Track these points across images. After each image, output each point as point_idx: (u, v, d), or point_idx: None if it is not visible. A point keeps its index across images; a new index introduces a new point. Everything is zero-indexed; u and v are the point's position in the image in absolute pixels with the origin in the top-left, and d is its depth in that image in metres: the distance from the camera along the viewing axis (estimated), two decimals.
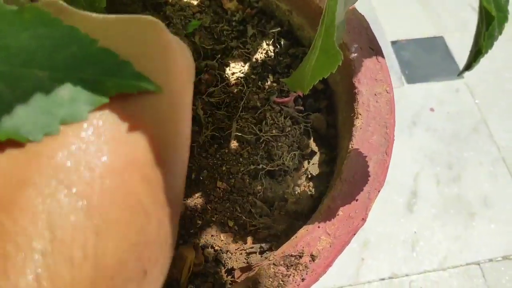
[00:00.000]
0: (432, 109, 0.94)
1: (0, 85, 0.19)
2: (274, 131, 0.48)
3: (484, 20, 0.29)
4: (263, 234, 0.42)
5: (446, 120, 0.93)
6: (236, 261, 0.41)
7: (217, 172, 0.46)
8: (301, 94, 0.50)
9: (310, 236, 0.37)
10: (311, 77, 0.36)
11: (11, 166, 0.17)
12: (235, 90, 0.52)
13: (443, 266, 0.78)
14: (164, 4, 0.56)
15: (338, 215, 0.38)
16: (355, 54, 0.46)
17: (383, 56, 0.46)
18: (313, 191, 0.45)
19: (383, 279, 0.77)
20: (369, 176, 0.39)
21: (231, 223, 0.43)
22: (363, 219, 0.38)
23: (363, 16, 0.49)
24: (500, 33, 0.31)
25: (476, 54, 0.31)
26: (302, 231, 0.38)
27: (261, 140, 0.48)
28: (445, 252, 0.79)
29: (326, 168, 0.47)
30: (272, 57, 0.54)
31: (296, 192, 0.45)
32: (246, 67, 0.53)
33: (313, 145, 0.48)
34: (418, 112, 0.93)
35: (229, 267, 0.41)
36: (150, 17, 0.23)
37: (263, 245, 0.41)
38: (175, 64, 0.22)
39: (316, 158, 0.48)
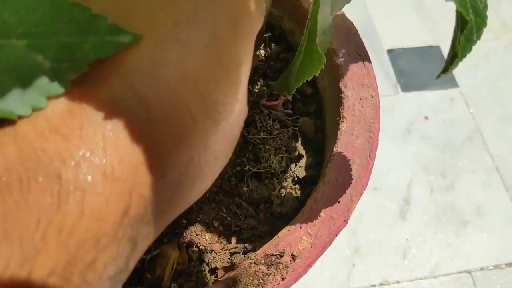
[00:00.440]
0: (426, 117, 0.94)
1: None
2: (262, 134, 0.48)
3: (459, 24, 0.30)
4: (247, 235, 0.43)
5: (441, 129, 0.93)
6: (220, 260, 0.41)
7: None
8: (290, 98, 0.51)
9: (292, 236, 0.37)
10: (296, 80, 0.37)
11: None
12: None
13: (434, 274, 0.78)
14: None
15: (320, 216, 0.38)
16: (342, 59, 0.46)
17: (370, 62, 0.47)
18: (299, 193, 0.46)
19: (373, 286, 0.77)
20: (352, 179, 0.40)
21: (216, 223, 0.44)
22: (345, 221, 0.38)
23: (352, 22, 0.50)
24: (479, 37, 0.32)
25: (453, 58, 0.31)
26: (284, 231, 0.38)
27: (248, 143, 0.48)
28: (436, 259, 0.79)
29: (312, 171, 0.47)
30: (263, 61, 0.55)
31: (282, 195, 0.46)
32: None
33: (300, 149, 0.49)
34: (412, 120, 0.94)
35: (212, 267, 0.41)
36: None
37: (247, 245, 0.42)
38: None
39: (303, 161, 0.48)
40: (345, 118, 0.43)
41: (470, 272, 0.79)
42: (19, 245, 0.16)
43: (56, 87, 0.19)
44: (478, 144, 0.92)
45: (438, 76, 0.34)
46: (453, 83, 0.99)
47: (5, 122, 0.18)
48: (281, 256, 0.36)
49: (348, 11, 0.49)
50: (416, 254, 0.80)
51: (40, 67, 0.19)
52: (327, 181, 0.40)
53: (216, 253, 0.42)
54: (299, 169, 0.48)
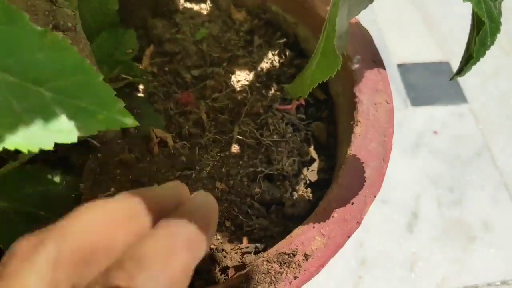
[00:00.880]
0: (435, 132, 0.94)
1: (9, 95, 0.22)
2: (275, 136, 0.49)
3: (475, 25, 0.30)
4: (258, 235, 0.43)
5: (449, 144, 0.93)
6: (231, 260, 0.41)
7: (216, 173, 0.46)
8: (303, 103, 0.51)
9: (305, 236, 0.37)
10: (311, 81, 0.37)
11: None
12: (239, 97, 0.53)
13: None
14: (174, 11, 0.58)
15: (333, 217, 0.38)
16: (357, 65, 0.47)
17: (384, 69, 0.47)
18: (310, 196, 0.46)
19: None
20: (366, 181, 0.40)
21: (228, 223, 0.44)
22: (358, 222, 0.38)
23: (367, 30, 0.50)
24: (493, 43, 0.32)
25: (468, 59, 0.32)
26: (297, 231, 0.38)
27: (261, 145, 0.48)
28: (443, 274, 0.79)
29: (324, 175, 0.47)
30: (277, 67, 0.55)
31: (294, 197, 0.46)
32: (251, 75, 0.55)
33: (312, 153, 0.49)
34: (421, 134, 0.94)
35: (223, 266, 0.41)
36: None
37: (258, 245, 0.42)
38: None
39: (315, 165, 0.48)
40: (360, 122, 0.43)
41: None
42: None
43: (65, 137, 0.23)
44: (487, 160, 0.91)
45: (452, 78, 0.34)
46: (463, 99, 0.99)
47: None
48: (294, 255, 0.36)
49: None
50: (423, 268, 0.79)
51: (56, 117, 0.23)
52: (340, 183, 0.40)
53: (227, 253, 0.42)
54: (311, 173, 0.48)
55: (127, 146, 0.48)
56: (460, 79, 1.00)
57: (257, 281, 0.35)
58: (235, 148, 0.49)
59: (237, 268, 0.40)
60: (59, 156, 0.48)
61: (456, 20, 1.10)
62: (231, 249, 0.42)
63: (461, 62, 0.33)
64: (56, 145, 0.23)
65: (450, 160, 0.91)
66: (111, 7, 0.49)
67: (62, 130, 0.23)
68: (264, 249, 0.42)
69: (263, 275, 0.35)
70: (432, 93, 0.99)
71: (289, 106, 0.50)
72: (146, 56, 0.57)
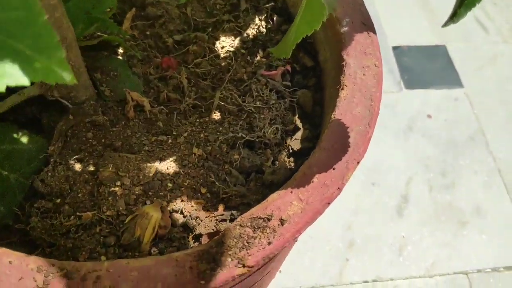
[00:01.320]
0: (429, 116, 0.92)
1: None
2: (258, 103, 0.46)
3: None
4: (235, 203, 0.40)
5: (443, 128, 0.91)
6: (205, 227, 0.39)
7: (194, 139, 0.44)
8: (289, 69, 0.49)
9: (282, 201, 0.35)
10: (295, 37, 0.35)
11: None
12: (223, 63, 0.51)
13: (430, 273, 0.75)
14: None
15: (312, 182, 0.36)
16: (346, 28, 0.44)
17: (374, 32, 0.45)
18: (292, 165, 0.44)
19: (366, 282, 0.74)
20: (349, 146, 0.38)
21: (203, 190, 0.41)
22: (338, 188, 0.36)
23: None
24: None
25: (461, 1, 0.29)
26: (273, 196, 0.36)
27: (243, 111, 0.46)
28: (433, 259, 0.77)
29: (308, 144, 0.45)
30: (264, 33, 0.53)
31: (275, 166, 0.43)
32: (237, 41, 0.52)
33: (297, 121, 0.47)
34: (415, 117, 0.92)
35: (197, 233, 0.39)
36: None
37: (234, 212, 0.40)
38: None
39: (299, 134, 0.46)
40: (346, 85, 0.41)
41: (467, 274, 0.76)
42: None
43: None
44: (481, 145, 0.89)
45: (445, 24, 0.31)
46: (458, 83, 0.97)
47: None
48: (269, 220, 0.34)
49: None
50: (412, 252, 0.77)
51: None
52: (322, 147, 0.38)
53: (201, 220, 0.40)
54: (294, 142, 0.46)
55: (101, 109, 0.45)
56: (456, 64, 0.98)
57: (228, 246, 0.33)
58: (215, 114, 0.46)
59: (211, 236, 0.38)
60: (29, 118, 0.46)
61: (453, 3, 1.07)
62: (205, 217, 0.40)
63: (454, 5, 0.31)
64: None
65: (443, 144, 0.88)
66: None
67: (12, 74, 0.21)
68: None
69: (235, 240, 0.33)
70: (427, 76, 0.96)
71: (274, 72, 0.48)
72: (127, 19, 0.54)
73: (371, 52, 0.42)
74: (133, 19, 0.54)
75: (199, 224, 0.39)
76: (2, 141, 0.41)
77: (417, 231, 0.79)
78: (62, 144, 0.43)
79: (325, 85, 0.48)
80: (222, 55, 0.51)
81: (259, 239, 0.33)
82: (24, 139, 0.42)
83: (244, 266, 0.32)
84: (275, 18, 0.53)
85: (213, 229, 0.39)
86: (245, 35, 0.52)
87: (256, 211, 0.35)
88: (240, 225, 0.34)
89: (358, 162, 0.37)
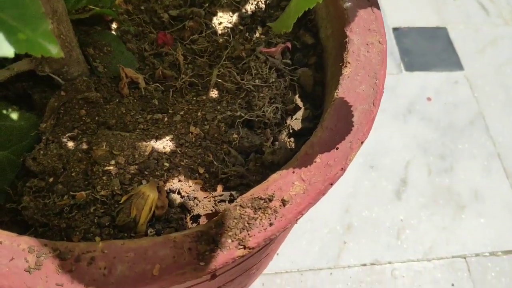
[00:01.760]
0: (429, 99, 0.91)
1: None
2: (257, 81, 0.45)
3: None
4: (234, 183, 0.39)
5: (443, 111, 0.90)
6: (203, 208, 0.38)
7: (191, 117, 0.43)
8: (289, 47, 0.47)
9: (283, 181, 0.34)
10: (295, 11, 0.34)
11: None
12: (220, 40, 0.49)
13: (427, 257, 0.75)
14: None
15: (315, 162, 0.35)
16: (349, 3, 0.43)
17: (379, 8, 0.43)
18: (293, 146, 0.42)
19: (364, 265, 0.73)
20: (353, 125, 0.36)
21: (201, 170, 0.40)
22: (342, 168, 0.35)
23: None
24: None
25: None
26: (274, 176, 0.34)
27: (242, 90, 0.44)
28: (431, 242, 0.76)
29: (309, 124, 0.44)
30: (263, 9, 0.51)
31: (275, 147, 0.42)
32: (235, 17, 0.50)
33: (297, 101, 0.45)
34: (414, 100, 0.91)
35: (194, 214, 0.38)
36: None
37: (233, 193, 0.38)
38: None
39: (299, 114, 0.45)
40: (349, 63, 0.39)
41: (465, 258, 0.76)
42: None
43: None
44: (480, 128, 0.88)
45: None
46: (459, 66, 0.96)
47: None
48: (270, 200, 0.33)
49: None
50: (410, 236, 0.77)
51: None
52: (325, 127, 0.36)
53: (199, 201, 0.38)
54: (295, 122, 0.44)
55: (94, 85, 0.44)
56: (457, 46, 0.96)
57: (228, 227, 0.32)
58: (213, 93, 0.45)
59: (210, 216, 0.37)
60: (20, 94, 0.44)
61: None
62: (204, 198, 0.39)
63: None
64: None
65: (442, 128, 0.87)
66: None
67: None
68: None
69: (235, 221, 0.32)
70: (427, 58, 0.95)
71: (274, 49, 0.46)
72: None
73: (375, 29, 0.41)
74: None
75: (197, 204, 0.38)
76: None
77: (415, 214, 0.79)
78: (54, 121, 0.42)
79: (327, 63, 0.46)
80: (219, 32, 0.50)
81: (260, 220, 0.32)
82: (15, 116, 0.40)
83: (244, 247, 0.31)
84: None
85: (211, 210, 0.38)
86: (244, 11, 0.51)
87: (257, 191, 0.33)
88: (241, 206, 0.33)
89: (362, 142, 0.36)
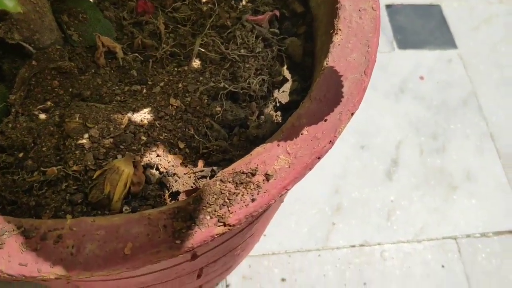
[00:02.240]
0: (421, 77, 0.89)
1: None
2: (242, 50, 0.42)
3: None
4: (216, 158, 0.37)
5: (435, 90, 0.88)
6: (183, 184, 0.35)
7: (172, 88, 0.40)
8: (277, 15, 0.45)
9: (267, 154, 0.31)
10: None
11: None
12: (204, 8, 0.46)
13: (418, 238, 0.74)
14: None
15: (302, 134, 0.32)
16: None
17: None
18: (279, 119, 0.40)
19: (353, 246, 0.72)
20: (343, 96, 0.34)
21: (181, 145, 0.38)
22: (330, 141, 0.32)
23: None
24: None
25: None
26: (258, 149, 0.32)
27: (226, 60, 0.42)
28: (421, 223, 0.75)
29: (297, 97, 0.41)
30: None
31: (261, 120, 0.40)
32: None
33: (285, 72, 0.43)
34: (406, 79, 0.88)
35: (173, 191, 0.35)
36: None
37: (215, 168, 0.36)
38: None
39: (287, 86, 0.42)
40: (340, 30, 0.37)
41: (455, 239, 0.74)
42: None
43: None
44: (474, 108, 0.87)
45: None
46: (452, 44, 0.93)
47: None
48: (253, 175, 0.30)
49: None
50: (400, 217, 0.75)
51: None
52: (313, 97, 0.34)
53: (179, 177, 0.36)
54: (282, 94, 0.42)
55: (68, 55, 0.41)
56: (451, 24, 0.94)
57: (207, 203, 0.29)
58: (195, 63, 0.42)
59: (190, 193, 0.35)
60: None
61: None
62: (184, 174, 0.36)
63: None
64: None
65: (435, 107, 0.85)
66: None
67: None
68: None
69: (215, 196, 0.30)
70: (421, 36, 0.93)
71: (261, 17, 0.43)
72: None
73: None
74: None
75: (176, 181, 0.36)
76: None
77: (406, 195, 0.77)
78: (24, 93, 0.39)
79: (317, 33, 0.44)
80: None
81: (242, 195, 0.30)
82: None
83: (224, 224, 0.29)
84: None
85: (192, 187, 0.35)
86: None
87: (239, 165, 0.31)
88: (221, 181, 0.30)
89: (352, 114, 0.34)
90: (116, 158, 0.35)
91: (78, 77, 0.41)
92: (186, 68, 0.42)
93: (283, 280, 0.69)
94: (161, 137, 0.37)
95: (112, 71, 0.41)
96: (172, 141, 0.37)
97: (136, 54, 0.42)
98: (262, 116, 0.40)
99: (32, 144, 0.37)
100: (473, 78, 0.90)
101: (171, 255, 0.28)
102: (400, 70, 0.89)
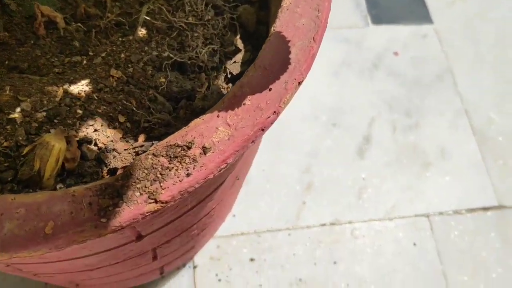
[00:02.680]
0: (396, 53, 0.87)
1: None
2: (190, 18, 0.40)
3: None
4: (159, 132, 0.35)
5: (410, 66, 0.86)
6: (122, 161, 0.33)
7: (114, 59, 0.37)
8: None
9: (205, 126, 0.29)
10: None
11: None
12: None
13: (389, 216, 0.72)
14: None
15: (244, 104, 0.30)
16: None
17: None
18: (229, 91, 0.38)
19: (324, 225, 0.71)
20: (290, 63, 0.32)
21: (122, 118, 0.35)
22: (275, 112, 0.30)
23: None
24: None
25: None
26: (197, 120, 0.30)
27: (173, 29, 0.39)
28: (393, 201, 0.74)
29: (248, 67, 0.39)
30: None
31: (208, 92, 0.37)
32: None
33: (238, 42, 0.41)
34: (381, 55, 0.86)
35: (112, 168, 0.33)
36: None
37: (156, 143, 0.34)
38: None
39: (239, 56, 0.40)
40: None
41: (428, 216, 0.73)
42: None
43: None
44: (448, 84, 0.85)
45: None
46: (428, 19, 0.91)
47: None
48: (189, 148, 0.28)
49: None
50: (372, 195, 0.74)
51: None
52: (258, 65, 0.32)
53: (118, 153, 0.34)
54: (233, 65, 0.39)
55: (4, 25, 0.38)
56: None
57: (137, 179, 0.27)
58: (141, 32, 0.39)
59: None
60: None
61: None
62: (124, 149, 0.34)
63: None
64: None
65: (409, 83, 0.84)
66: None
67: None
68: None
69: (146, 172, 0.27)
70: (396, 11, 0.90)
71: None
72: None
73: None
74: None
75: (115, 157, 0.33)
76: None
77: (378, 173, 0.76)
78: None
79: (271, 1, 0.41)
80: None
81: (176, 170, 0.28)
82: None
83: (156, 201, 0.27)
84: None
85: (131, 163, 0.33)
86: None
87: (174, 138, 0.29)
88: (153, 155, 0.28)
89: (300, 83, 0.32)
90: (49, 132, 0.33)
91: (16, 49, 0.38)
92: (131, 37, 0.39)
93: (252, 260, 0.68)
94: (99, 110, 0.35)
95: (53, 42, 0.39)
96: (111, 114, 0.35)
97: (79, 24, 0.40)
98: (213, 86, 0.38)
99: None
100: (448, 54, 0.88)
101: (98, 234, 0.26)
102: (374, 46, 0.87)
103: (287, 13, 0.33)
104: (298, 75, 0.31)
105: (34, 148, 0.32)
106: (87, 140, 0.34)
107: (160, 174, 0.27)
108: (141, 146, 0.34)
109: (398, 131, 0.79)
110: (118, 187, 0.27)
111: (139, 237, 0.36)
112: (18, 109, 0.34)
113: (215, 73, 0.39)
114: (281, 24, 0.33)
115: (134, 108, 0.35)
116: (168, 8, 0.40)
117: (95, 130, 0.34)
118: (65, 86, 0.35)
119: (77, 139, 0.33)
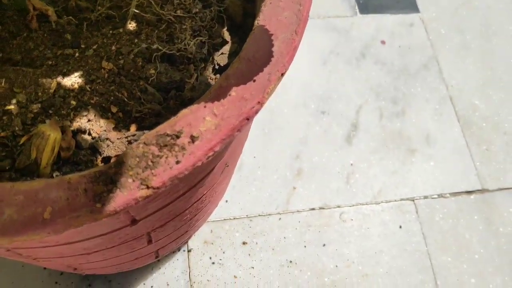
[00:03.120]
0: (383, 42, 0.88)
1: None
2: (179, 11, 0.41)
3: None
4: (150, 122, 0.36)
5: (397, 54, 0.88)
6: (115, 149, 0.35)
7: (105, 51, 0.39)
8: None
9: (193, 116, 0.31)
10: None
11: None
12: None
13: (376, 200, 0.75)
14: None
15: (230, 95, 0.32)
16: None
17: None
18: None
19: (313, 209, 0.73)
20: (273, 56, 0.33)
21: (114, 109, 0.37)
22: (259, 102, 0.32)
23: None
24: None
25: None
26: (185, 111, 0.32)
27: (163, 21, 0.41)
28: (380, 186, 0.76)
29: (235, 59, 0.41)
30: None
31: (197, 82, 0.39)
32: None
33: (225, 34, 0.42)
34: (368, 43, 0.88)
35: (105, 156, 0.35)
36: None
37: (147, 132, 0.35)
38: None
39: (227, 48, 0.41)
40: None
41: (413, 200, 0.76)
42: None
43: None
44: (434, 72, 0.87)
45: None
46: (414, 8, 0.93)
47: None
48: (178, 137, 0.30)
49: None
50: (359, 180, 0.76)
51: None
52: (242, 57, 0.33)
53: (112, 142, 0.35)
54: (221, 57, 0.41)
55: None
56: None
57: (130, 166, 0.29)
58: (131, 25, 0.41)
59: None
60: None
61: None
62: (117, 138, 0.36)
63: None
64: None
65: (396, 71, 0.86)
66: None
67: None
68: None
69: (137, 159, 0.29)
70: (383, 0, 0.92)
71: None
72: None
73: None
74: None
75: (108, 146, 0.35)
76: None
77: (365, 159, 0.78)
78: None
79: None
80: None
81: (166, 158, 0.29)
82: None
83: (148, 187, 0.29)
84: None
85: (123, 151, 0.35)
86: None
87: (164, 127, 0.31)
88: (144, 143, 0.30)
89: (283, 74, 0.33)
90: (45, 123, 0.34)
91: (9, 41, 0.39)
92: (121, 30, 0.40)
93: (244, 243, 0.70)
94: (92, 101, 0.36)
95: (46, 35, 0.40)
96: (104, 105, 0.37)
97: (71, 17, 0.41)
98: (201, 77, 0.40)
99: None
100: (434, 42, 0.90)
101: (93, 218, 0.28)
102: (361, 35, 0.88)
103: (270, 7, 0.35)
104: (281, 67, 0.33)
105: (31, 138, 0.33)
106: (81, 130, 0.35)
107: (151, 161, 0.29)
108: (133, 135, 0.35)
109: (384, 118, 0.81)
110: (112, 174, 0.29)
111: (134, 222, 0.38)
112: (14, 101, 0.35)
113: (203, 65, 0.41)
114: (265, 17, 0.35)
115: (125, 99, 0.37)
116: (157, 1, 0.42)
117: (89, 120, 0.36)
118: (59, 78, 0.37)
119: (71, 129, 0.35)
